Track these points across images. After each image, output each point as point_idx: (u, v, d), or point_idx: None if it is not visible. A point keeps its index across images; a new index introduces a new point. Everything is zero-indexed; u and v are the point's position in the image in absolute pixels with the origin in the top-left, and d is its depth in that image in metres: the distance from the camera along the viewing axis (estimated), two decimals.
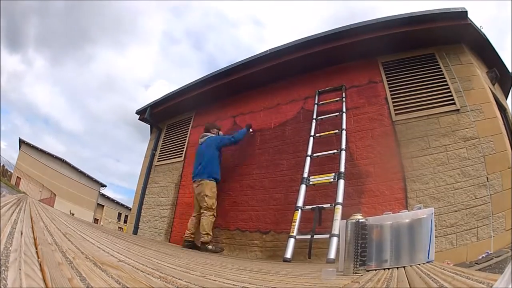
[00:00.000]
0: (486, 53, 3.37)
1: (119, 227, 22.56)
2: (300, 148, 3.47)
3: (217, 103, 4.61)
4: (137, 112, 5.63)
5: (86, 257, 0.70)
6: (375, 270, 1.33)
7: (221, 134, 3.80)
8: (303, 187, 2.91)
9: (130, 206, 6.34)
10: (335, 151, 3.04)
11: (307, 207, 2.80)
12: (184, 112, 5.10)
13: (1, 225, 0.76)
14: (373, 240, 1.42)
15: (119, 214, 26.85)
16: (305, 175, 2.99)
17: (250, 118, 4.11)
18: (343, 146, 3.01)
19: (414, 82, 3.15)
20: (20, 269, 0.42)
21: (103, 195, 25.72)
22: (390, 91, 3.22)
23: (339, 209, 2.53)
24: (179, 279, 0.73)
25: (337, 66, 3.66)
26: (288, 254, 2.52)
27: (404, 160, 2.86)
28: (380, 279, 0.99)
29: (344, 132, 3.13)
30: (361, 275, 1.21)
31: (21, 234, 0.75)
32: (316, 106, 3.56)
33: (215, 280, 0.86)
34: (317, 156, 3.15)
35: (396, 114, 3.08)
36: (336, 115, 3.32)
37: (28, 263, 0.47)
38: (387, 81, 3.29)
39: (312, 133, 3.33)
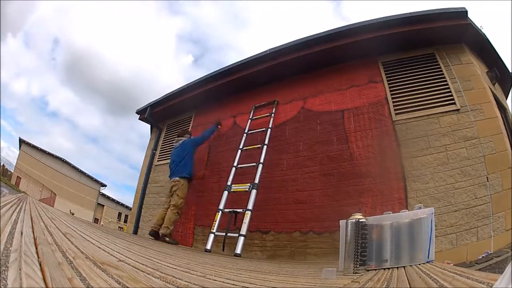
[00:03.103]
0: (486, 53, 3.37)
1: (119, 227, 22.56)
2: (300, 148, 3.48)
3: (217, 103, 4.61)
4: (137, 112, 5.63)
5: (86, 257, 0.70)
6: (375, 270, 1.33)
7: (192, 137, 4.20)
8: (225, 193, 3.39)
9: (130, 205, 6.34)
10: (254, 164, 3.40)
11: (226, 210, 3.26)
12: (184, 112, 5.10)
13: (1, 225, 0.76)
14: (373, 240, 1.42)
15: (119, 214, 26.87)
16: (229, 183, 3.45)
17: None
18: (262, 160, 3.38)
19: (414, 82, 3.15)
20: (20, 269, 0.42)
21: (103, 195, 25.74)
22: (390, 91, 3.22)
23: (248, 214, 2.98)
24: (179, 279, 0.73)
25: (337, 66, 3.66)
26: (208, 246, 3.02)
27: (404, 160, 2.86)
28: (380, 279, 0.99)
29: (265, 147, 3.51)
30: (361, 274, 1.21)
31: (21, 234, 0.75)
32: (250, 121, 3.99)
33: (215, 280, 0.86)
34: (241, 167, 3.58)
35: (396, 114, 3.08)
36: (262, 131, 3.74)
37: (28, 263, 0.47)
38: (387, 81, 3.29)
39: (241, 147, 3.78)
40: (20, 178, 18.32)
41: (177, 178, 3.72)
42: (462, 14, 2.99)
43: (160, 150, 5.22)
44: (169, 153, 4.94)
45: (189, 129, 4.59)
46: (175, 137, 4.31)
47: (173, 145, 4.96)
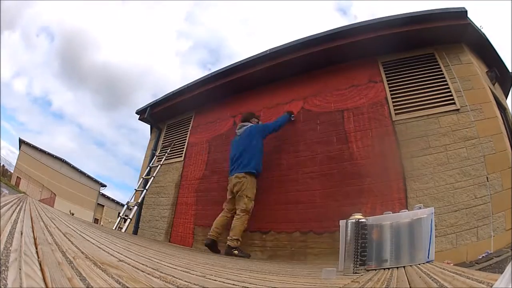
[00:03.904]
0: (486, 52, 3.37)
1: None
2: (300, 148, 3.48)
3: (217, 103, 4.61)
4: (137, 112, 5.63)
5: (86, 257, 0.70)
6: (375, 269, 1.33)
7: (261, 123, 3.52)
8: None
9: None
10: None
11: None
12: (184, 112, 5.10)
13: (1, 225, 0.76)
14: (373, 240, 1.42)
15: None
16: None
17: None
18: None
19: (414, 82, 3.15)
20: (20, 269, 0.42)
21: (103, 195, 25.73)
22: (390, 91, 3.22)
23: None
24: (179, 279, 0.73)
25: (337, 66, 3.66)
26: None
27: (404, 160, 2.85)
28: (380, 278, 0.99)
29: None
30: (361, 274, 1.21)
31: (21, 234, 0.75)
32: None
33: (215, 280, 0.86)
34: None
35: (396, 114, 3.08)
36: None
37: (28, 263, 0.47)
38: (387, 81, 3.28)
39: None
40: (20, 178, 18.31)
41: (242, 174, 3.04)
42: (462, 14, 2.99)
43: (160, 151, 5.22)
44: (169, 153, 4.96)
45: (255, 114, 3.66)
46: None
47: (174, 145, 4.99)
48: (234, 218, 3.01)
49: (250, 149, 3.13)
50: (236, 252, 2.83)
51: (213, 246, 3.01)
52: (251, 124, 3.38)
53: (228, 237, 2.92)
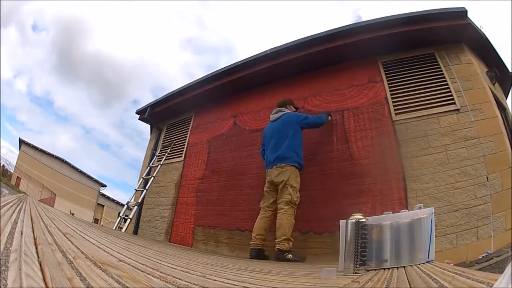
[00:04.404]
0: (486, 52, 3.37)
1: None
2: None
3: (217, 103, 4.61)
4: (137, 112, 5.63)
5: (86, 257, 0.70)
6: (375, 270, 1.33)
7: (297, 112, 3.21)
8: None
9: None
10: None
11: None
12: (184, 112, 5.10)
13: (1, 225, 0.76)
14: (373, 240, 1.42)
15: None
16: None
17: (250, 118, 4.11)
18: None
19: (414, 82, 3.15)
20: (20, 269, 0.42)
21: (103, 195, 25.73)
22: (390, 91, 3.22)
23: None
24: (179, 279, 0.73)
25: (337, 65, 3.66)
26: None
27: (404, 160, 2.86)
28: (380, 279, 0.99)
29: None
30: (361, 275, 1.21)
31: (21, 234, 0.75)
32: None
33: (215, 280, 0.86)
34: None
35: (396, 114, 3.08)
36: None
37: (28, 263, 0.47)
38: (387, 80, 3.29)
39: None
40: (20, 178, 18.31)
41: (282, 165, 2.74)
42: (462, 14, 2.99)
43: (160, 151, 5.22)
44: (169, 153, 4.96)
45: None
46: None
47: (174, 145, 5.00)
48: (278, 214, 2.64)
49: (288, 140, 2.81)
50: (290, 256, 2.44)
51: (260, 256, 2.65)
52: (288, 111, 3.05)
53: (276, 240, 2.54)
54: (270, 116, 3.17)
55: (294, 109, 3.22)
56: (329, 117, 3.25)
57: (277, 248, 2.51)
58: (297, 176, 2.77)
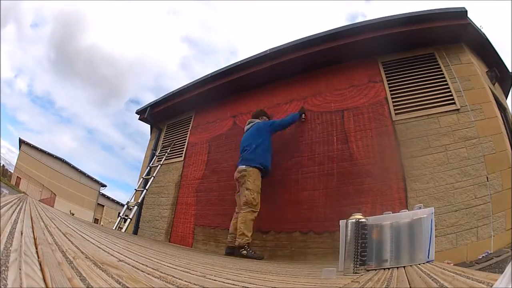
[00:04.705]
0: (486, 52, 3.37)
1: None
2: (300, 148, 3.48)
3: (217, 103, 4.61)
4: (137, 112, 5.64)
5: (86, 257, 0.70)
6: (375, 269, 1.33)
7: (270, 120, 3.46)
8: None
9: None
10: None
11: None
12: (184, 112, 5.10)
13: (1, 225, 0.76)
14: (373, 240, 1.42)
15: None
16: None
17: (249, 118, 4.11)
18: None
19: (414, 82, 3.15)
20: (20, 269, 0.42)
21: (103, 195, 25.73)
22: (390, 90, 3.22)
23: None
24: (179, 279, 0.73)
25: (337, 66, 3.66)
26: None
27: (404, 160, 2.86)
28: (380, 278, 0.99)
29: None
30: (361, 274, 1.21)
31: (21, 234, 0.75)
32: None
33: (215, 280, 0.86)
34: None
35: (396, 114, 3.08)
36: None
37: (28, 263, 0.47)
38: (387, 80, 3.29)
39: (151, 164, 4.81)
40: (20, 178, 18.31)
41: (244, 167, 3.00)
42: (462, 14, 2.99)
43: (160, 151, 5.22)
44: (169, 153, 4.97)
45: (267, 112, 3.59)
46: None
47: (174, 145, 5.00)
48: (239, 214, 2.91)
49: (255, 146, 3.07)
50: (244, 252, 2.68)
51: (234, 253, 2.86)
52: (259, 121, 3.34)
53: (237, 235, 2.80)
54: (244, 127, 3.45)
55: (266, 118, 3.43)
56: (303, 115, 3.46)
57: (236, 244, 2.79)
58: (255, 178, 2.97)
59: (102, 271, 0.57)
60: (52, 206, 8.66)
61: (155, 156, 5.11)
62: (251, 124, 3.35)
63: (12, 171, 18.70)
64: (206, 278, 0.88)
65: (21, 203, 1.99)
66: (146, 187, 4.70)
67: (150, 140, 5.69)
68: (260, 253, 2.84)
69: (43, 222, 1.33)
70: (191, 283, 0.70)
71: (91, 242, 1.14)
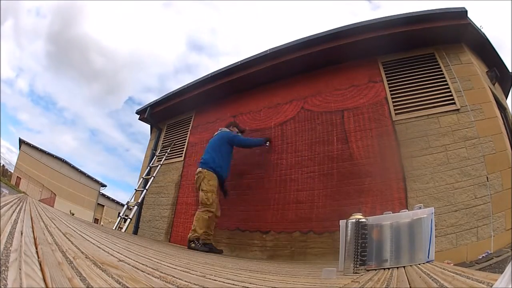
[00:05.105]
0: (486, 52, 3.37)
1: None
2: (300, 148, 3.48)
3: (217, 103, 4.61)
4: (137, 112, 5.63)
5: (86, 257, 0.70)
6: (375, 269, 1.33)
7: (239, 135, 3.64)
8: None
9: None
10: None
11: None
12: (184, 112, 5.10)
13: (1, 225, 0.76)
14: (373, 240, 1.42)
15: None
16: None
17: (250, 118, 4.11)
18: None
19: (414, 82, 3.15)
20: (20, 269, 0.42)
21: (103, 195, 25.73)
22: (390, 91, 3.22)
23: None
24: (179, 279, 0.73)
25: (337, 66, 3.66)
26: None
27: (404, 160, 2.86)
28: (380, 278, 0.99)
29: None
30: (361, 274, 1.21)
31: (21, 234, 0.75)
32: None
33: (215, 280, 0.86)
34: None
35: (396, 114, 3.08)
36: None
37: (28, 263, 0.47)
38: (387, 80, 3.29)
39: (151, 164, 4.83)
40: (20, 178, 18.30)
41: (200, 169, 3.18)
42: (462, 14, 2.99)
43: (160, 151, 5.22)
44: (169, 153, 4.97)
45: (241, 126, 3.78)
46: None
47: (174, 145, 5.00)
48: (196, 212, 3.15)
49: (215, 152, 3.28)
50: (193, 245, 2.91)
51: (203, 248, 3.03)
52: (227, 131, 3.53)
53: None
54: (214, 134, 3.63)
55: (237, 131, 3.64)
56: (267, 143, 3.61)
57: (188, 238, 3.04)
58: (210, 179, 3.13)
59: (102, 271, 0.57)
60: (52, 206, 8.66)
61: (155, 156, 5.10)
62: (218, 131, 3.55)
63: (12, 171, 18.70)
64: (206, 278, 0.88)
65: (21, 203, 1.99)
66: (146, 187, 4.69)
67: (150, 140, 5.69)
68: (208, 247, 2.95)
69: (43, 222, 1.33)
70: (191, 283, 0.70)
71: (91, 242, 1.14)
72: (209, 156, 3.24)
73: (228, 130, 3.55)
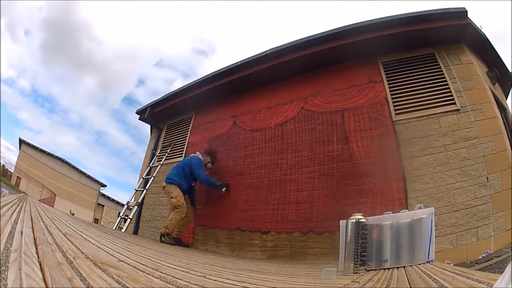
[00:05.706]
0: (486, 52, 3.37)
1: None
2: (300, 148, 3.48)
3: (217, 103, 4.61)
4: (137, 112, 5.63)
5: (86, 257, 0.70)
6: (375, 270, 1.33)
7: (209, 166, 3.98)
8: None
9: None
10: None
11: None
12: (184, 112, 5.10)
13: (1, 225, 0.76)
14: (373, 240, 1.42)
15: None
16: None
17: (250, 118, 4.11)
18: None
19: (414, 82, 3.15)
20: (20, 269, 0.42)
21: (103, 195, 25.73)
22: (390, 91, 3.22)
23: None
24: (179, 279, 0.73)
25: (337, 66, 3.66)
26: None
27: (404, 160, 2.86)
28: (380, 279, 0.99)
29: None
30: (361, 275, 1.21)
31: (21, 234, 0.75)
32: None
33: (215, 280, 0.87)
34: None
35: (396, 114, 3.08)
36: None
37: (28, 263, 0.47)
38: (387, 81, 3.29)
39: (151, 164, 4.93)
40: (20, 178, 18.30)
41: (164, 184, 3.74)
42: (462, 14, 2.99)
43: (160, 151, 5.23)
44: (169, 153, 4.97)
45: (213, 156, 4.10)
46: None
47: (174, 145, 5.01)
48: (170, 213, 3.62)
49: (178, 172, 3.76)
50: (163, 239, 3.40)
51: (179, 243, 3.53)
52: (197, 157, 3.90)
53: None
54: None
55: (208, 161, 3.97)
56: (224, 189, 3.83)
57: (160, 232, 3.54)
58: (174, 189, 3.63)
59: (102, 271, 0.57)
60: (52, 206, 8.66)
61: (155, 156, 5.11)
62: (191, 155, 4.02)
63: (12, 171, 18.70)
64: (206, 278, 0.88)
65: (21, 203, 1.98)
66: (146, 187, 4.69)
67: (150, 140, 5.69)
68: (175, 241, 3.44)
69: (43, 222, 1.33)
70: (191, 283, 0.70)
71: (91, 242, 1.14)
72: (173, 174, 3.78)
73: (201, 155, 3.94)
